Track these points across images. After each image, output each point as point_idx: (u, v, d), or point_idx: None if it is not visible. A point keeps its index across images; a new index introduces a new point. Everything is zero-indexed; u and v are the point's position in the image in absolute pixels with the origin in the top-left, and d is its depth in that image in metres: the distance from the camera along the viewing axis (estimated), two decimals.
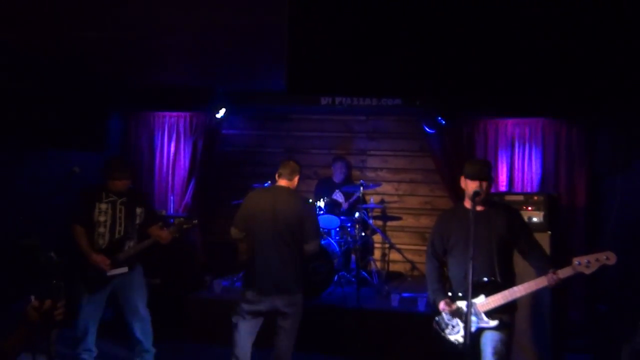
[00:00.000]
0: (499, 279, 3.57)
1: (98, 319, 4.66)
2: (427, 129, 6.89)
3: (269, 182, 6.75)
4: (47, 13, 3.97)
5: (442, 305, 3.66)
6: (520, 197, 5.42)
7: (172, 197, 7.31)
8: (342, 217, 6.54)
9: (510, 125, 6.66)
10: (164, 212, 7.00)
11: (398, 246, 7.47)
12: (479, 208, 3.63)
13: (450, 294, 3.72)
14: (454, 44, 2.89)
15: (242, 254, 4.45)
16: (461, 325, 3.58)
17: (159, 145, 7.45)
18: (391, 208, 7.65)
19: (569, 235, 6.19)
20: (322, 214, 6.44)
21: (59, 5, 3.81)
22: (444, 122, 6.56)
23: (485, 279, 3.57)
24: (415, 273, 7.48)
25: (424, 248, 7.27)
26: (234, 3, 3.72)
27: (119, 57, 5.25)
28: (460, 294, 3.64)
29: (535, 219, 5.17)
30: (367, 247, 7.13)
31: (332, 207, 6.53)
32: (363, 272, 6.65)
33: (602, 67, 2.88)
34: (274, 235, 4.25)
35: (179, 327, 5.85)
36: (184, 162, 7.36)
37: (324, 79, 2.85)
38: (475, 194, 3.60)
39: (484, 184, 3.65)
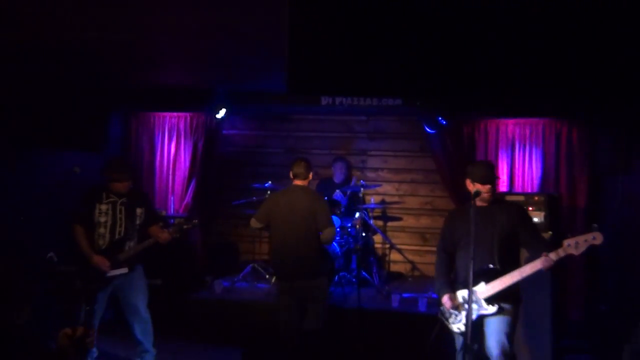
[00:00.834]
0: (498, 267, 3.75)
1: (98, 319, 4.66)
2: (428, 129, 6.89)
3: (269, 182, 6.75)
4: (47, 13, 3.97)
5: (445, 298, 3.91)
6: (521, 198, 5.42)
7: (172, 198, 7.32)
8: (342, 218, 6.54)
9: (511, 126, 6.66)
10: (164, 213, 7.00)
11: (398, 246, 7.46)
12: (483, 205, 3.90)
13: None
14: (455, 44, 2.89)
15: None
16: (463, 314, 3.80)
17: (160, 145, 7.45)
18: (392, 208, 7.64)
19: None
20: None
21: (59, 5, 3.80)
22: (444, 122, 6.56)
23: (485, 267, 3.76)
24: (416, 273, 7.48)
25: (425, 248, 7.29)
26: (235, 3, 3.72)
27: (120, 57, 5.25)
28: (461, 285, 3.88)
29: (536, 219, 5.15)
30: (367, 248, 7.11)
31: (333, 208, 6.52)
32: (363, 273, 6.64)
33: (603, 67, 2.87)
34: (291, 228, 4.81)
35: (179, 327, 5.84)
36: (184, 162, 7.36)
37: (324, 79, 2.85)
38: (476, 193, 3.84)
39: (492, 187, 3.91)
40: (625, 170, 5.45)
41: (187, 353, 5.61)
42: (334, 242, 6.46)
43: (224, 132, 7.62)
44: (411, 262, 7.50)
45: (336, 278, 6.21)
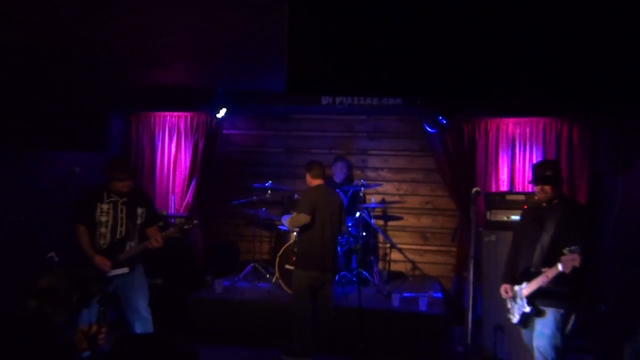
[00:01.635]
0: (533, 269, 3.92)
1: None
2: (428, 129, 6.89)
3: (270, 181, 6.75)
4: (47, 13, 3.97)
5: (502, 289, 4.21)
6: (521, 197, 5.42)
7: (173, 197, 7.32)
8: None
9: (511, 125, 6.66)
10: (164, 212, 7.00)
11: (399, 246, 7.46)
12: (542, 204, 4.07)
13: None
14: (455, 43, 2.88)
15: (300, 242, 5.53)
16: (514, 306, 4.12)
17: (160, 145, 7.46)
18: (392, 208, 7.64)
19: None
20: None
21: (59, 4, 3.80)
22: (444, 121, 6.56)
23: (529, 266, 3.98)
24: (417, 273, 7.48)
25: (425, 248, 7.28)
26: (235, 2, 3.72)
27: (120, 57, 5.25)
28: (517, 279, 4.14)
29: None
30: (368, 247, 7.12)
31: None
32: (364, 272, 6.65)
33: (604, 66, 2.87)
34: (331, 223, 5.33)
35: (180, 327, 5.84)
36: (184, 162, 7.37)
37: (324, 79, 2.84)
38: (476, 192, 4.01)
39: (546, 188, 3.96)
40: (625, 170, 5.45)
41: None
42: None
43: (225, 131, 7.62)
44: (412, 261, 7.50)
45: (337, 277, 6.21)
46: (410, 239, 7.64)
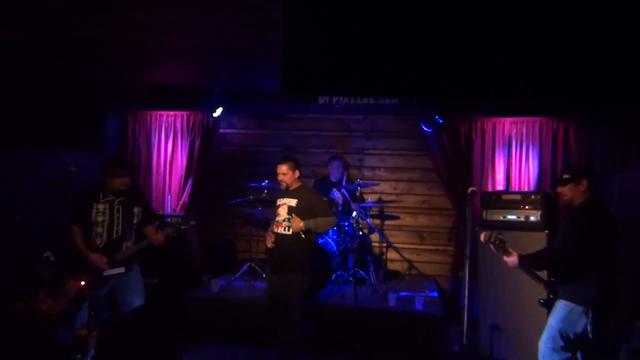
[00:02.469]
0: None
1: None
2: (425, 128, 6.90)
3: (267, 181, 6.74)
4: (44, 12, 3.96)
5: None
6: (518, 196, 5.42)
7: (169, 196, 7.31)
8: (339, 217, 6.53)
9: (507, 124, 6.67)
10: (161, 212, 6.99)
11: (395, 245, 7.47)
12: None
13: None
14: (452, 43, 2.88)
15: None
16: None
17: (156, 144, 7.44)
18: (389, 207, 7.65)
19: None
20: None
21: (55, 3, 3.79)
22: (441, 120, 6.57)
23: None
24: (413, 272, 7.49)
25: (422, 247, 7.26)
26: (231, 2, 3.71)
27: (116, 56, 5.24)
28: None
29: (532, 218, 5.16)
30: (364, 246, 7.12)
31: (330, 206, 6.52)
32: (360, 272, 6.65)
33: (600, 66, 2.87)
34: None
35: (176, 326, 5.83)
36: (181, 161, 7.36)
37: (318, 79, 2.83)
38: (472, 192, 4.05)
39: (564, 189, 3.96)
40: (621, 169, 5.46)
41: (183, 352, 5.60)
42: (331, 241, 6.47)
43: (221, 130, 7.62)
44: (408, 260, 7.51)
45: (333, 277, 6.22)
46: (407, 238, 7.64)
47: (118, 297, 4.77)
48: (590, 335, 3.72)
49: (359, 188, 6.72)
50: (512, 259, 3.94)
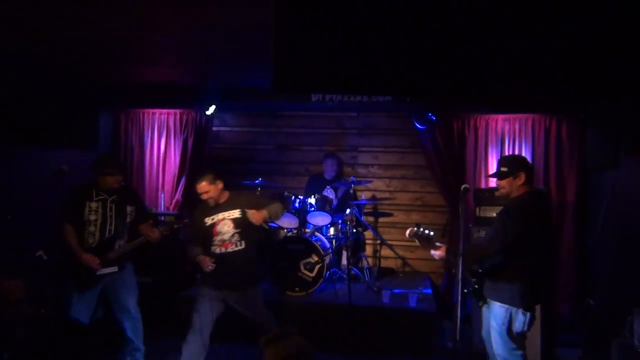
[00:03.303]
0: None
1: (88, 317, 4.63)
2: (418, 125, 6.91)
3: (260, 178, 6.74)
4: (37, 12, 3.94)
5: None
6: None
7: (162, 195, 7.29)
8: (333, 214, 6.54)
9: (500, 121, 6.69)
10: (154, 210, 6.97)
11: (389, 242, 7.48)
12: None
13: None
14: (444, 40, 2.89)
15: None
16: None
17: (149, 142, 7.42)
18: (382, 204, 7.66)
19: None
20: (313, 210, 6.44)
21: (49, 4, 3.78)
22: (434, 118, 6.58)
23: None
24: (407, 269, 7.50)
25: (415, 244, 7.31)
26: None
27: (108, 54, 5.21)
28: None
29: None
30: (358, 244, 7.13)
31: (324, 204, 6.53)
32: (354, 269, 6.66)
33: (592, 63, 2.89)
34: None
35: (170, 325, 5.82)
36: (174, 159, 7.34)
37: (309, 76, 2.84)
38: (465, 189, 3.89)
39: (502, 182, 3.91)
40: (613, 166, 5.49)
41: (177, 350, 5.59)
42: (325, 239, 6.48)
43: (214, 128, 7.61)
44: (402, 258, 7.52)
45: (327, 274, 6.22)
46: (401, 236, 7.62)
47: (111, 297, 4.76)
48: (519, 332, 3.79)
49: (352, 185, 6.73)
50: (438, 253, 4.01)
